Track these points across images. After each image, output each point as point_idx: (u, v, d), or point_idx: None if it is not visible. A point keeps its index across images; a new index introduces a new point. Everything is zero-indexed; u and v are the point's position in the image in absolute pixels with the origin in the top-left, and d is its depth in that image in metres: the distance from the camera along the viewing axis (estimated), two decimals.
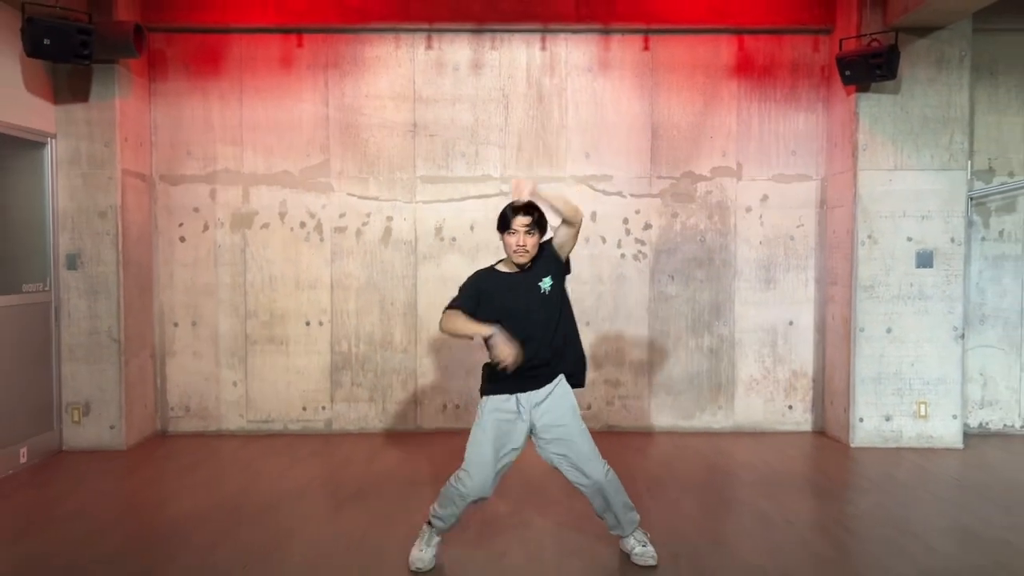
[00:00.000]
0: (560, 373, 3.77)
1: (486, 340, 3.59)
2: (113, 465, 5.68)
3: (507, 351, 3.49)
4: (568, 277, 3.85)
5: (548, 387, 3.73)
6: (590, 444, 3.77)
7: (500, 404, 3.71)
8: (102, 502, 4.92)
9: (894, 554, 4.04)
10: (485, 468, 3.66)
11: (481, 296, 3.72)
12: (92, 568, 3.88)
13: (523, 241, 3.66)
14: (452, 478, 3.75)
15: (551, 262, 3.79)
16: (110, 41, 5.54)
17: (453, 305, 3.73)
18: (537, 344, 3.66)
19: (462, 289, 3.80)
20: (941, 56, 5.99)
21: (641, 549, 3.86)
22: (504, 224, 3.71)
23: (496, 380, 3.69)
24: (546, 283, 3.73)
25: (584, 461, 3.73)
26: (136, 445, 6.16)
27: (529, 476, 5.22)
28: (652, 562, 3.82)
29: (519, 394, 3.70)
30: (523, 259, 3.70)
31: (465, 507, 3.76)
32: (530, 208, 3.68)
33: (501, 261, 3.84)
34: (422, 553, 3.80)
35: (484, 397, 3.77)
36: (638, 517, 3.92)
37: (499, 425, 3.70)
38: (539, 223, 3.71)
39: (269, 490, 5.10)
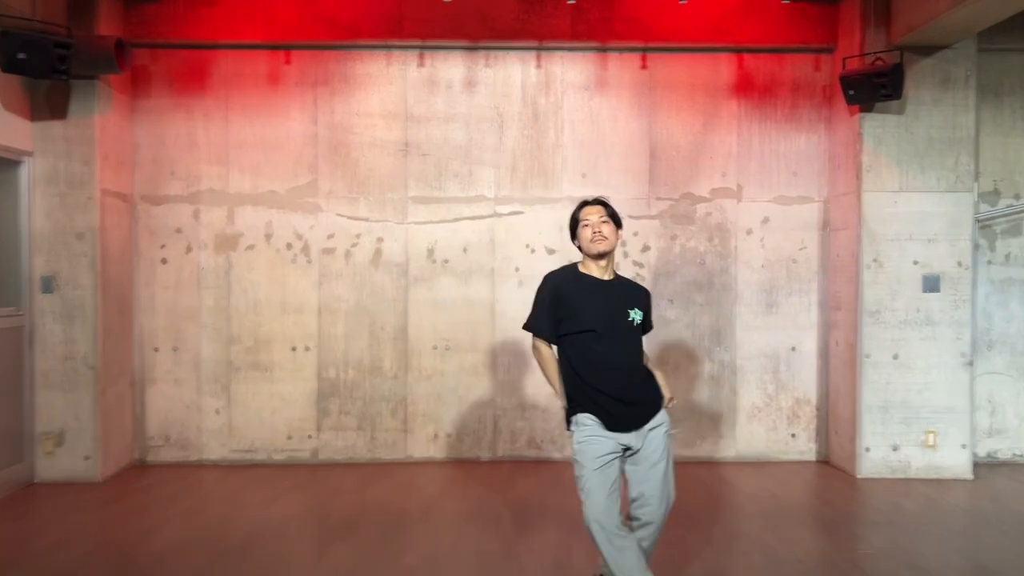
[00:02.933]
0: (654, 410, 3.47)
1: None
2: (88, 497, 5.41)
3: None
4: None
5: (644, 429, 3.43)
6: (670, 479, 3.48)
7: (596, 430, 3.39)
8: (76, 536, 4.65)
9: None
10: (599, 489, 3.31)
11: (560, 302, 3.45)
12: None
13: (598, 227, 3.44)
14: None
15: (642, 304, 3.56)
16: (91, 56, 5.33)
17: (531, 330, 3.53)
18: (625, 368, 3.42)
19: (537, 302, 3.54)
20: (946, 76, 5.85)
21: None
22: (574, 224, 3.55)
23: (584, 408, 3.42)
24: (635, 313, 3.49)
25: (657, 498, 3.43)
26: (112, 476, 5.88)
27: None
28: None
29: (615, 433, 3.39)
30: (602, 246, 3.44)
31: (624, 542, 3.28)
32: (598, 201, 3.56)
33: (580, 263, 3.58)
34: None
35: (574, 419, 3.46)
36: None
37: (595, 442, 3.37)
38: (612, 215, 3.53)
39: (250, 525, 4.83)
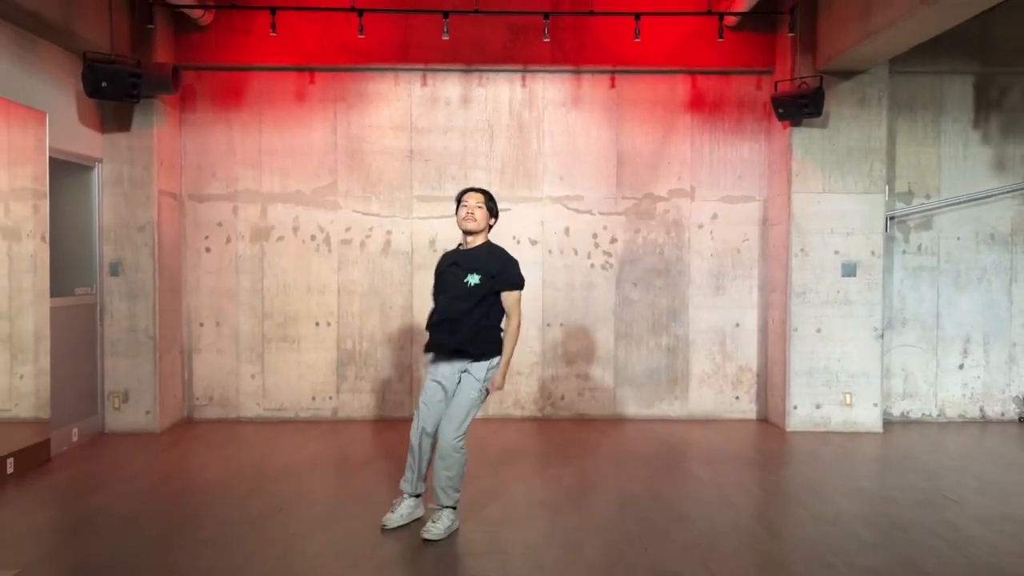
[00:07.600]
0: (464, 354, 4.39)
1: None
2: (150, 444, 6.61)
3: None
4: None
5: (458, 365, 4.41)
6: (463, 413, 4.37)
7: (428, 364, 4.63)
8: (147, 469, 5.86)
9: (796, 505, 5.01)
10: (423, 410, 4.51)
11: (438, 273, 4.58)
12: (149, 515, 4.83)
13: (471, 209, 4.32)
14: None
15: (491, 272, 4.32)
16: (152, 80, 6.49)
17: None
18: (448, 315, 4.39)
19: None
20: (863, 96, 7.00)
21: (431, 525, 4.36)
22: (458, 203, 4.41)
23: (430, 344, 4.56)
24: (473, 278, 4.32)
25: (447, 420, 4.36)
26: (168, 429, 7.09)
27: (500, 451, 6.17)
28: (428, 536, 4.31)
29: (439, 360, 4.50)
30: (470, 224, 4.32)
31: (418, 448, 4.50)
32: (481, 190, 4.44)
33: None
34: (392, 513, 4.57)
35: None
36: (453, 503, 4.42)
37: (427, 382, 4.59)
38: (489, 205, 4.38)
39: (288, 461, 6.04)
